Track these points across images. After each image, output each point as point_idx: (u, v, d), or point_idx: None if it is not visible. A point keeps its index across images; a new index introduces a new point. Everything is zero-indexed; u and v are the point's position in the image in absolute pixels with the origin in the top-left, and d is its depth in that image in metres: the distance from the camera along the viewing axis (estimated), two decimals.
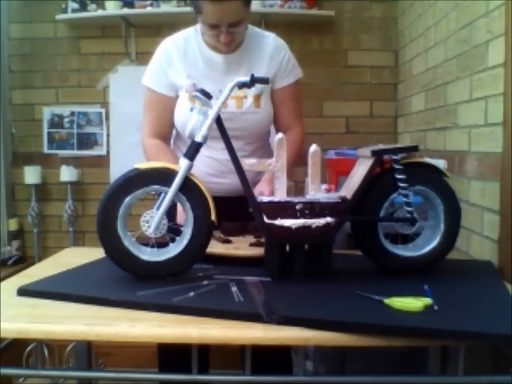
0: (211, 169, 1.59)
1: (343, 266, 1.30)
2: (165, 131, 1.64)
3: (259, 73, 1.52)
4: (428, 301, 1.00)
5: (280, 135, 1.22)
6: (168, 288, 1.10)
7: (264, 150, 1.69)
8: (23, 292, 1.12)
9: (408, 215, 1.24)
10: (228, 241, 1.43)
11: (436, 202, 1.27)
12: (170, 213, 1.28)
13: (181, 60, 1.57)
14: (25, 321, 0.97)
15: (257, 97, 1.57)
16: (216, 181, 1.59)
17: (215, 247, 1.35)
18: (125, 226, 1.17)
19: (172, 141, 1.71)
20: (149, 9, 2.65)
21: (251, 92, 1.55)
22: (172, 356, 1.34)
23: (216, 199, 1.22)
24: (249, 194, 1.19)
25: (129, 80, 2.77)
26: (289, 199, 1.19)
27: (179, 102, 1.58)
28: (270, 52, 1.59)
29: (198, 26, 1.54)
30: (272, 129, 1.75)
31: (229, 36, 1.44)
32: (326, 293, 1.12)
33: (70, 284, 1.18)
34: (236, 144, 1.48)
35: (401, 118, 2.74)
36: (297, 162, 1.63)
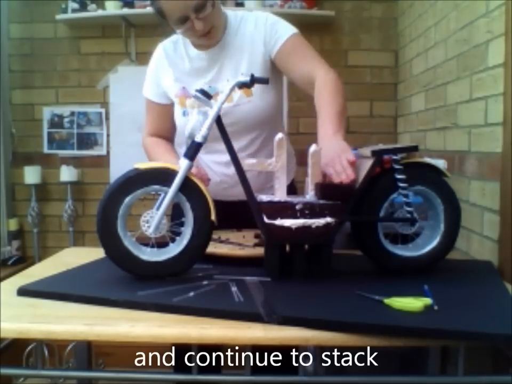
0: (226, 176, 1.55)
1: (343, 266, 1.30)
2: (165, 134, 1.64)
3: (244, 60, 1.48)
4: (427, 301, 1.00)
5: (280, 134, 1.22)
6: (168, 288, 1.10)
7: (266, 144, 1.56)
8: (23, 291, 1.12)
9: (408, 215, 1.24)
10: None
11: (436, 202, 1.27)
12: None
13: (170, 64, 1.56)
14: (25, 321, 0.97)
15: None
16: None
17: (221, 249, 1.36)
18: (125, 226, 1.17)
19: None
20: (149, 9, 2.64)
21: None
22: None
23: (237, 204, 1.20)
24: (249, 195, 1.19)
25: (129, 80, 2.78)
26: (289, 199, 1.19)
27: (175, 108, 1.58)
28: (250, 33, 1.50)
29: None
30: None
31: (201, 23, 1.37)
32: (326, 293, 1.11)
33: (70, 283, 1.18)
34: (240, 141, 1.49)
35: (401, 118, 2.74)
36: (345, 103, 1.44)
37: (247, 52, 1.49)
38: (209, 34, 1.43)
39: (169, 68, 1.56)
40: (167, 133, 1.64)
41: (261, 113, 1.52)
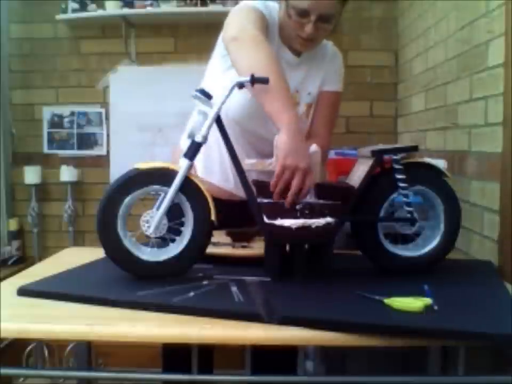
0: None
1: (343, 266, 1.30)
2: None
3: (320, 78, 1.48)
4: (427, 301, 1.00)
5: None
6: (168, 288, 1.10)
7: None
8: (23, 291, 1.12)
9: (408, 215, 1.24)
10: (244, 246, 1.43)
11: (436, 202, 1.27)
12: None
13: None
14: (25, 321, 0.97)
15: (309, 107, 1.51)
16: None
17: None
18: (125, 226, 1.17)
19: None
20: (149, 9, 2.65)
21: (303, 99, 1.49)
22: (176, 355, 1.33)
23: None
24: (249, 195, 1.19)
25: (129, 80, 2.78)
26: None
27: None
28: (330, 56, 1.53)
29: (278, 13, 1.42)
30: None
31: (313, 29, 1.32)
32: (326, 293, 1.12)
33: (70, 284, 1.18)
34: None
35: (401, 118, 2.74)
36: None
37: (319, 76, 1.50)
38: (308, 43, 1.39)
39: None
40: None
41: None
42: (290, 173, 1.13)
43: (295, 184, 1.13)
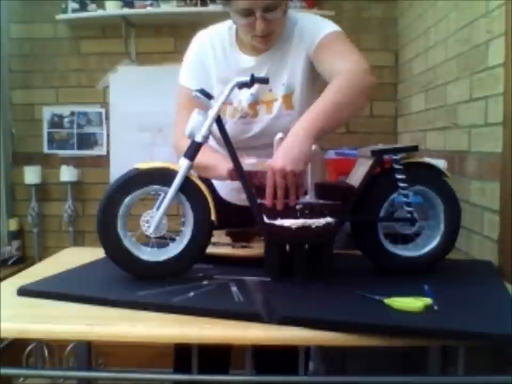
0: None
1: (343, 266, 1.30)
2: None
3: (286, 70, 1.39)
4: (427, 301, 1.00)
5: (280, 134, 1.22)
6: (168, 288, 1.10)
7: None
8: (23, 291, 1.12)
9: (408, 215, 1.24)
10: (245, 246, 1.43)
11: (436, 202, 1.27)
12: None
13: (214, 61, 1.44)
14: (25, 321, 0.97)
15: (287, 97, 1.42)
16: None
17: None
18: (125, 226, 1.17)
19: None
20: (149, 9, 2.65)
21: (279, 92, 1.42)
22: (189, 355, 1.32)
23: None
24: (249, 195, 1.19)
25: (129, 80, 2.78)
26: None
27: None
28: (296, 42, 1.40)
29: (231, 25, 1.43)
30: None
31: (265, 24, 1.28)
32: (326, 293, 1.11)
33: (70, 284, 1.18)
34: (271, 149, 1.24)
35: (401, 118, 2.74)
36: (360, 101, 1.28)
37: (290, 61, 1.41)
38: (266, 38, 1.35)
39: (213, 66, 1.44)
40: None
41: None
42: (280, 177, 1.11)
43: (280, 187, 1.11)
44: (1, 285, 1.20)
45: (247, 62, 1.43)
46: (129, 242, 1.17)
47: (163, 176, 1.17)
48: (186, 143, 1.21)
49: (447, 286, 1.15)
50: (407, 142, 2.57)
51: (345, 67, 1.27)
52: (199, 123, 1.18)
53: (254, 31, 1.31)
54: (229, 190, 1.56)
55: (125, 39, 2.76)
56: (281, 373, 1.03)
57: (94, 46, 2.84)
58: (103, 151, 2.87)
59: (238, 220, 1.38)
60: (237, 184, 1.28)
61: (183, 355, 1.52)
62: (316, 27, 1.39)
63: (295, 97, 1.42)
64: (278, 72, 1.42)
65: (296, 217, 1.17)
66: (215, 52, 1.45)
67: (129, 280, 1.18)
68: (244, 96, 1.43)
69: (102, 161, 2.87)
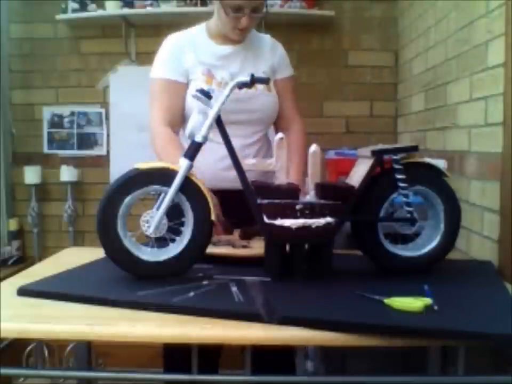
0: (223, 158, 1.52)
1: (343, 266, 1.30)
2: (177, 120, 1.60)
3: (263, 63, 1.66)
4: (427, 301, 1.00)
5: (280, 135, 1.22)
6: (168, 288, 1.10)
7: (265, 144, 1.71)
8: (23, 291, 1.12)
9: (408, 215, 1.24)
10: (245, 246, 1.42)
11: (436, 202, 1.27)
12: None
13: (192, 50, 1.61)
14: (25, 321, 0.97)
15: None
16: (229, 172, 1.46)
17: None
18: (125, 226, 1.17)
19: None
20: (149, 9, 2.65)
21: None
22: (178, 355, 1.33)
23: (229, 193, 1.30)
24: (249, 194, 1.19)
25: (129, 80, 2.78)
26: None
27: (192, 86, 1.57)
28: (269, 46, 1.70)
29: (201, 26, 1.66)
30: (271, 131, 1.75)
31: (249, 21, 1.52)
32: (326, 293, 1.12)
33: (70, 283, 1.18)
34: (244, 130, 1.61)
35: (401, 118, 2.74)
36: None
37: (268, 60, 1.67)
38: (245, 32, 1.58)
39: (192, 53, 1.61)
40: (179, 121, 1.61)
41: (275, 108, 1.67)
42: None
43: None
44: (1, 285, 1.20)
45: (224, 49, 1.63)
46: (129, 242, 1.17)
47: (163, 176, 1.17)
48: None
49: (447, 286, 1.16)
50: (407, 142, 2.58)
51: (299, 126, 1.72)
52: (199, 123, 1.18)
53: (238, 24, 1.54)
54: (217, 170, 1.57)
55: (125, 39, 2.76)
56: (278, 372, 1.03)
57: (94, 46, 2.84)
58: (103, 151, 2.87)
59: (235, 209, 1.37)
60: (226, 163, 1.44)
61: (172, 355, 1.53)
62: (287, 62, 1.73)
63: (271, 86, 1.66)
64: (257, 61, 1.65)
65: (296, 217, 1.17)
66: (191, 44, 1.62)
67: (129, 280, 1.18)
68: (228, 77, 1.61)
69: (102, 161, 2.87)
